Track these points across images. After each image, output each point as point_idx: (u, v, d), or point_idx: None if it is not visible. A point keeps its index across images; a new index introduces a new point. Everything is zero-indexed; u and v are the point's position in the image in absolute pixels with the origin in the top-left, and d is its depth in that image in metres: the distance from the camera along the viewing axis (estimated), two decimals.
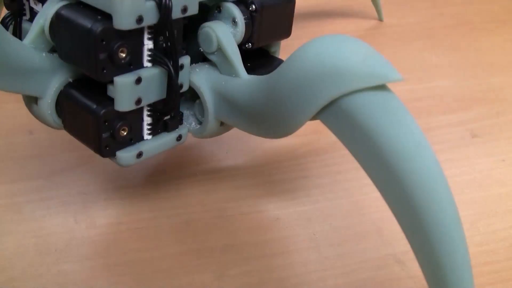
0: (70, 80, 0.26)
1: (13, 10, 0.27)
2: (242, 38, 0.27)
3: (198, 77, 0.27)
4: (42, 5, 0.26)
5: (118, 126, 0.25)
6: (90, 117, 0.24)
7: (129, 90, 0.24)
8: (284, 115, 0.23)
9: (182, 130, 0.28)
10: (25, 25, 0.28)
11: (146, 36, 0.23)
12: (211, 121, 0.27)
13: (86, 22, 0.22)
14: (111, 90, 0.24)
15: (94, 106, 0.24)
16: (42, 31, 0.25)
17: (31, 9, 0.27)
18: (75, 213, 0.31)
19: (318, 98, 0.21)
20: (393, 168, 0.20)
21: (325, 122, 0.22)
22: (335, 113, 0.21)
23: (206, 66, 0.27)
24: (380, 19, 0.45)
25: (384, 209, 0.32)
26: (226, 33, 0.26)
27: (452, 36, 0.45)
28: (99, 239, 0.30)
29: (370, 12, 0.47)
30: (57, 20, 0.23)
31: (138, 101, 0.24)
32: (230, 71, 0.26)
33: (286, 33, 0.29)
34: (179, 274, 0.28)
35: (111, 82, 0.23)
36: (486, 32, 0.46)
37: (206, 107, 0.27)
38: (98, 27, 0.22)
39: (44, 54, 0.25)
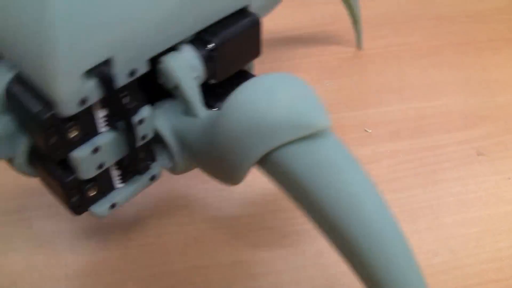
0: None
1: None
2: (203, 78, 0.25)
3: (159, 120, 0.25)
4: None
5: (86, 188, 0.24)
6: (56, 183, 0.24)
7: (88, 161, 0.23)
8: (225, 165, 0.22)
9: (155, 169, 0.26)
10: None
11: (96, 108, 0.22)
12: (179, 161, 0.26)
13: (33, 105, 0.21)
14: (71, 162, 0.23)
15: (59, 174, 0.23)
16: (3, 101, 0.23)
17: None
18: (85, 229, 0.31)
19: (248, 154, 0.21)
20: (330, 219, 0.20)
21: (264, 172, 0.21)
22: (269, 166, 0.21)
23: (167, 105, 0.25)
24: (358, 46, 0.44)
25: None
26: (183, 71, 0.23)
27: (458, 54, 0.46)
28: (109, 256, 0.30)
29: (370, 32, 0.47)
30: (7, 95, 0.22)
31: (100, 166, 0.23)
32: (188, 109, 0.24)
33: (256, 54, 0.27)
34: None
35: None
36: (492, 50, 0.46)
37: (171, 149, 0.25)
38: (43, 115, 0.21)
39: (7, 117, 0.23)
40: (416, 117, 0.40)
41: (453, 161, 0.37)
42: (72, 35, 0.19)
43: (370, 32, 0.46)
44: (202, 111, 0.24)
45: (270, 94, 0.20)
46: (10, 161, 0.25)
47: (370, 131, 0.38)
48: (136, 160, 0.24)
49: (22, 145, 0.24)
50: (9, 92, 0.22)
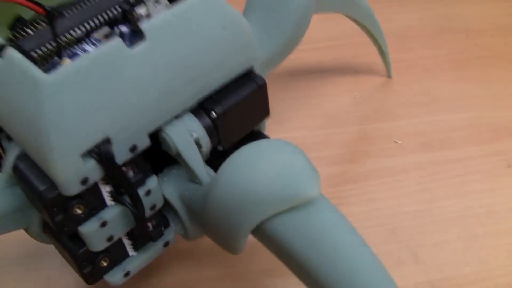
0: None
1: None
2: (209, 147, 0.24)
3: (166, 187, 0.24)
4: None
5: (98, 259, 0.24)
6: (68, 255, 0.24)
7: (96, 234, 0.23)
8: (222, 235, 0.22)
9: (169, 235, 0.26)
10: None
11: (101, 184, 0.22)
12: (190, 228, 0.25)
13: (38, 184, 0.21)
14: (80, 235, 0.23)
15: (70, 246, 0.23)
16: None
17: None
18: None
19: (239, 225, 0.21)
20: (325, 286, 0.20)
21: (258, 240, 0.21)
22: (260, 235, 0.21)
23: (174, 171, 0.25)
24: (388, 75, 0.44)
25: (420, 237, 0.33)
26: (183, 140, 0.23)
27: (486, 67, 0.46)
28: None
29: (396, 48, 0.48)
30: (14, 172, 0.22)
31: (110, 238, 0.23)
32: (192, 175, 0.24)
33: (264, 115, 0.26)
34: None
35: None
36: None
37: (180, 217, 0.25)
38: (48, 195, 0.21)
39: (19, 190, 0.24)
40: (445, 129, 0.40)
41: (483, 173, 0.37)
42: (64, 121, 0.19)
43: (398, 45, 0.46)
44: (205, 178, 0.24)
45: (252, 166, 0.20)
46: (26, 229, 0.25)
47: (400, 142, 0.39)
48: (146, 230, 0.24)
49: (35, 215, 0.24)
50: (16, 168, 0.22)
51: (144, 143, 0.22)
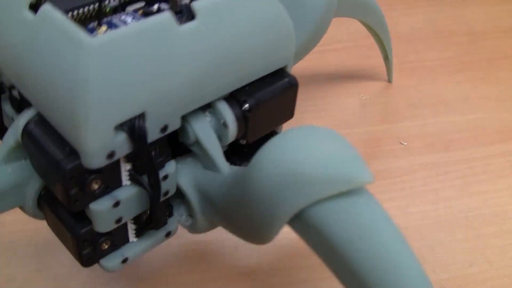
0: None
1: None
2: (233, 138, 0.23)
3: (181, 176, 0.24)
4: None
5: (99, 241, 0.23)
6: (68, 235, 0.22)
7: (107, 214, 0.21)
8: (254, 223, 0.21)
9: (172, 225, 0.25)
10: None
11: (122, 161, 0.21)
12: (200, 219, 0.24)
13: (55, 152, 0.20)
14: (88, 213, 0.22)
15: (73, 224, 0.22)
16: (17, 145, 0.22)
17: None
18: None
19: (281, 212, 0.19)
20: (364, 283, 0.19)
21: (296, 231, 0.20)
22: (301, 223, 0.20)
23: (189, 159, 0.24)
24: (389, 80, 0.45)
25: (426, 237, 0.33)
26: (204, 128, 0.23)
27: (491, 69, 0.46)
28: (151, 258, 0.31)
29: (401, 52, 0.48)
30: (26, 137, 0.21)
31: (119, 220, 0.22)
32: (210, 164, 0.23)
33: (288, 116, 0.26)
34: None
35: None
36: None
37: (192, 206, 0.24)
38: (67, 165, 0.19)
39: (21, 162, 0.23)
40: (451, 130, 0.40)
41: (488, 173, 0.37)
42: (105, 89, 0.19)
43: (403, 47, 0.47)
44: (225, 167, 0.23)
45: (304, 147, 0.19)
46: (22, 207, 0.24)
47: (406, 143, 0.39)
48: (159, 214, 0.23)
49: (33, 189, 0.23)
50: (27, 132, 0.21)
51: (175, 125, 0.21)
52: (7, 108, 0.25)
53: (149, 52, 0.19)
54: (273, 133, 0.26)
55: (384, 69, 0.45)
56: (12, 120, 0.24)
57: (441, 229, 0.34)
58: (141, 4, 0.24)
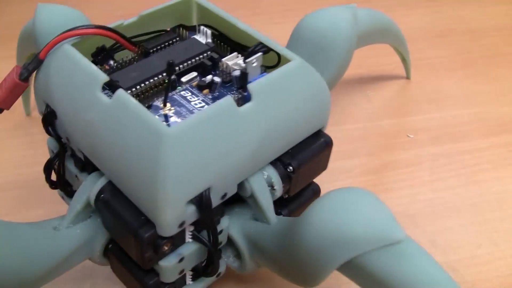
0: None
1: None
2: (280, 195, 0.26)
3: (231, 226, 0.26)
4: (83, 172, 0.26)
5: None
6: (139, 284, 0.25)
7: (173, 269, 0.24)
8: (302, 271, 0.23)
9: (222, 267, 0.27)
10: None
11: (188, 226, 0.24)
12: (249, 263, 0.27)
13: (131, 221, 0.22)
14: (157, 268, 0.24)
15: (142, 276, 0.25)
16: (84, 208, 0.25)
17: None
18: None
19: (330, 262, 0.21)
20: None
21: (344, 274, 0.22)
22: (350, 269, 0.22)
23: (236, 209, 0.27)
24: (408, 77, 0.47)
25: (436, 222, 0.35)
26: (260, 185, 0.25)
27: (491, 66, 0.48)
28: None
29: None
30: (101, 204, 0.24)
31: (181, 272, 0.25)
32: (260, 216, 0.26)
33: (323, 168, 0.28)
34: None
35: None
36: None
37: (242, 252, 0.27)
38: (144, 234, 0.22)
39: (87, 222, 0.25)
40: (455, 123, 0.42)
41: (492, 163, 0.39)
42: (181, 172, 0.21)
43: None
44: (274, 219, 0.26)
45: (347, 210, 0.21)
46: (91, 258, 0.26)
47: (412, 136, 0.41)
48: (214, 265, 0.26)
49: (100, 244, 0.26)
50: (104, 202, 0.23)
51: (232, 191, 0.24)
52: (70, 166, 0.27)
53: (216, 134, 0.22)
54: (310, 184, 0.29)
55: (390, 66, 0.47)
56: (76, 177, 0.27)
57: (449, 215, 0.35)
58: (193, 74, 0.26)
